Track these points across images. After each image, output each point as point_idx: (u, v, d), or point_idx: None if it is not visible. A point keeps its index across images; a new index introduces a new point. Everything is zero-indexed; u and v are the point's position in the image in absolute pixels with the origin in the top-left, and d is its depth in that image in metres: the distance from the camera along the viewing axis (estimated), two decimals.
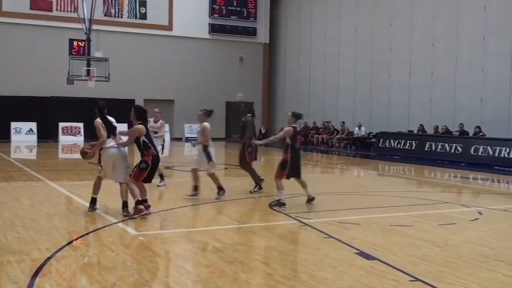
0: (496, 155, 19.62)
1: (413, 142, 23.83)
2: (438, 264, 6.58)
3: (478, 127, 22.16)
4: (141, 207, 8.85)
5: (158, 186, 12.60)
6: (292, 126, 10.37)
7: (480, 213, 10.09)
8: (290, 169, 10.28)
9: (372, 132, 28.20)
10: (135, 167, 9.02)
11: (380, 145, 25.72)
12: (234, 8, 36.47)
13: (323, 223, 8.74)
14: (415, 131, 25.18)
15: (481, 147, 20.56)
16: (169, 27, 34.55)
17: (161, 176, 12.85)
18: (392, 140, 25.17)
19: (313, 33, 33.91)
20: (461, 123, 22.92)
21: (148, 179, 9.06)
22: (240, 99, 35.83)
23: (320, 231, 8.15)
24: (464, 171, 18.26)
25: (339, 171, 19.53)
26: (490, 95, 23.10)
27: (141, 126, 8.94)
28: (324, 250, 7.10)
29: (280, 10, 37.61)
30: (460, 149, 21.35)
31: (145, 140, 8.94)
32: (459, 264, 6.61)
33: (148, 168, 8.91)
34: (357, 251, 7.02)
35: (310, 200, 10.54)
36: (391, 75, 28.03)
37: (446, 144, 22.04)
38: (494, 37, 23.02)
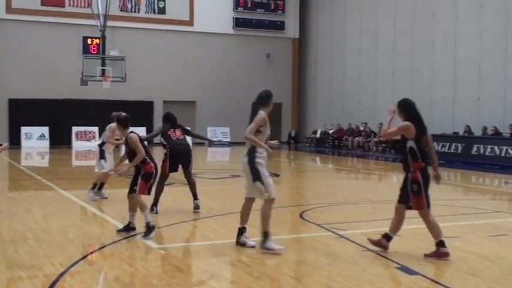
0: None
1: (459, 145, 23.57)
2: (488, 279, 6.50)
3: None
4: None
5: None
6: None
7: None
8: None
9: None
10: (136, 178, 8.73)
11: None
12: (260, 0, 36.57)
13: (360, 235, 8.68)
14: (461, 133, 24.90)
15: None
16: (190, 23, 34.77)
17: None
18: (435, 143, 24.89)
19: (347, 26, 33.79)
20: None
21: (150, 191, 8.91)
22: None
23: (357, 243, 8.11)
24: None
25: (377, 178, 19.41)
26: None
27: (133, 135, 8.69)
28: (362, 264, 7.06)
29: (311, 2, 37.57)
30: (511, 152, 21.06)
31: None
32: (510, 279, 6.51)
33: (152, 179, 8.77)
34: (398, 266, 6.96)
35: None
36: (434, 72, 27.77)
37: (496, 147, 21.75)
38: None
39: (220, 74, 35.04)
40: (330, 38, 35.42)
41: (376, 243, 7.67)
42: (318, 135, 34.27)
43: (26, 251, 7.65)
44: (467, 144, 23.29)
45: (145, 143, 8.96)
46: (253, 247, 7.74)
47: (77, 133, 30.97)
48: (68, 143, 30.49)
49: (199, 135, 12.86)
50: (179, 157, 10.71)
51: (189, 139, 11.61)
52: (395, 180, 18.84)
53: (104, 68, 27.80)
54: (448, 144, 24.25)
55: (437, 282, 6.36)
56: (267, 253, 7.51)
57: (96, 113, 29.93)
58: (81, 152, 28.04)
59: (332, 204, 11.38)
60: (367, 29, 32.12)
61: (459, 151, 23.41)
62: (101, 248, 7.92)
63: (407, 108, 7.83)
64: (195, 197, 10.91)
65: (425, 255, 7.32)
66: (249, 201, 8.03)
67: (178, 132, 10.88)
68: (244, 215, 8.00)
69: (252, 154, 7.79)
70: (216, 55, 35.08)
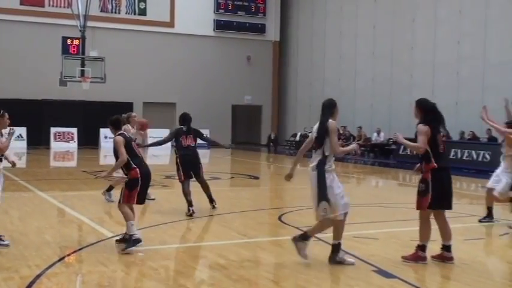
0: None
1: None
2: (465, 283, 6.56)
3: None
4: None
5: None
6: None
7: (510, 227, 10.03)
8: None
9: (391, 138, 28.13)
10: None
11: (400, 152, 25.64)
12: (241, 2, 36.61)
13: None
14: None
15: None
16: (170, 24, 34.72)
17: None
18: None
19: (328, 30, 33.94)
20: (489, 129, 22.82)
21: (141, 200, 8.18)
22: (248, 102, 35.97)
23: None
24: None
25: (356, 181, 19.48)
26: None
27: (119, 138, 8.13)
28: (339, 267, 7.08)
29: (292, 5, 37.68)
30: (488, 156, 21.26)
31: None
32: (487, 283, 6.59)
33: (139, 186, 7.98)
34: (375, 269, 6.99)
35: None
36: (413, 76, 27.97)
37: (473, 152, 21.96)
38: None
39: (200, 76, 35.00)
40: (311, 42, 35.54)
41: (439, 257, 7.33)
42: (297, 138, 34.32)
43: (2, 252, 7.56)
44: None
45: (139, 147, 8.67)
46: (352, 264, 7.21)
47: (55, 134, 30.71)
48: (46, 144, 30.24)
49: (212, 140, 12.69)
50: (188, 167, 10.82)
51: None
52: (373, 183, 18.95)
53: (83, 68, 27.65)
54: None
55: (414, 286, 6.39)
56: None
57: (75, 113, 29.72)
58: (59, 153, 27.82)
59: (311, 207, 11.38)
60: (347, 33, 32.28)
61: None
62: (78, 250, 7.86)
63: (425, 109, 7.61)
64: (211, 201, 11.14)
65: (403, 258, 7.33)
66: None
67: (189, 139, 10.90)
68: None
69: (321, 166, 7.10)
70: (197, 57, 35.04)
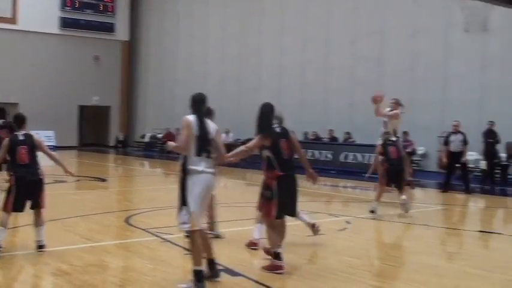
0: (366, 161, 20.68)
1: None
2: (308, 278, 6.81)
3: (348, 133, 23.30)
4: None
5: None
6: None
7: (348, 223, 10.58)
8: None
9: (240, 139, 28.62)
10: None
11: None
12: (88, 0, 35.58)
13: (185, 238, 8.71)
14: None
15: (351, 154, 21.65)
16: (13, 20, 33.03)
17: None
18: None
19: (179, 31, 33.92)
20: (331, 129, 23.95)
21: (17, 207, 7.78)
22: (96, 103, 35.08)
23: (182, 247, 8.13)
24: (334, 179, 19.07)
25: None
26: (360, 100, 24.33)
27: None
28: (186, 268, 7.08)
29: (142, 5, 37.25)
30: (330, 156, 22.28)
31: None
32: (328, 277, 6.87)
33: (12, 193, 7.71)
34: (222, 268, 7.07)
35: None
36: (261, 78, 28.69)
37: (316, 151, 22.90)
38: (364, 40, 24.33)
39: (45, 75, 33.60)
40: (161, 42, 35.33)
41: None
42: (146, 139, 34.00)
43: None
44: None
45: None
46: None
47: None
48: None
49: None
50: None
51: None
52: (221, 184, 19.18)
53: None
54: None
55: (259, 283, 6.54)
56: None
57: None
58: None
59: (159, 209, 11.32)
60: (198, 35, 32.45)
61: None
62: None
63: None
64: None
65: (262, 268, 7.06)
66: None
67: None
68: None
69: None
70: (41, 56, 33.61)
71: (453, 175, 16.44)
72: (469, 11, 13.34)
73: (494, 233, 10.52)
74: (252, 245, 8.16)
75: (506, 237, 10.09)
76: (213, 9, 31.66)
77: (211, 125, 6.46)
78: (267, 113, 7.24)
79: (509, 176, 18.72)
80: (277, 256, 6.95)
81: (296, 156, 7.41)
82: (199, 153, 6.25)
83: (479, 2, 9.39)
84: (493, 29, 18.36)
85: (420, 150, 21.70)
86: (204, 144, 6.29)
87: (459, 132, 16.21)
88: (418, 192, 16.42)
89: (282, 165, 7.09)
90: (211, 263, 6.53)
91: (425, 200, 14.98)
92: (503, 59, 20.14)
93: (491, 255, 8.97)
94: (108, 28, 36.34)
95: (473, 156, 18.75)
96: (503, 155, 18.60)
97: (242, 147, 7.37)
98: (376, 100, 13.04)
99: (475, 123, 19.14)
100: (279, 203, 6.98)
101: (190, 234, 6.26)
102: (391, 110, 13.58)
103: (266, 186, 7.11)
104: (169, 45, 34.65)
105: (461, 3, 11.87)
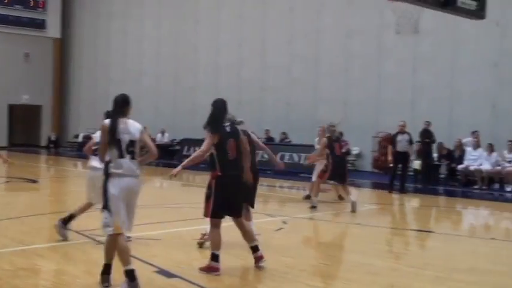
0: (302, 162, 20.92)
1: None
2: (243, 278, 6.87)
3: (284, 133, 23.50)
4: None
5: None
6: None
7: (285, 223, 10.69)
8: None
9: (175, 139, 28.47)
10: None
11: (184, 153, 26.05)
12: None
13: None
14: None
15: (287, 154, 21.85)
16: None
17: None
18: (197, 148, 25.44)
19: (112, 29, 33.45)
20: (267, 129, 24.09)
21: None
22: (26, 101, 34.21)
23: None
24: (271, 179, 19.18)
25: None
26: (296, 100, 24.61)
27: None
28: (121, 270, 7.00)
29: (75, 1, 36.55)
30: (266, 156, 22.32)
31: None
32: (264, 276, 6.93)
33: None
34: (157, 269, 7.04)
35: None
36: (197, 77, 28.61)
37: None
38: (300, 40, 24.60)
39: None
40: (95, 40, 34.78)
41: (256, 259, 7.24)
42: (80, 139, 33.36)
43: None
44: None
45: None
46: None
47: None
48: None
49: None
50: None
51: None
52: (157, 184, 19.04)
53: None
54: None
55: (195, 284, 6.53)
56: None
57: None
58: None
59: (93, 211, 11.11)
60: (132, 32, 32.11)
61: None
62: None
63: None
64: None
65: (200, 269, 7.02)
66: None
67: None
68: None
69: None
70: None
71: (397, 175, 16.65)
72: (400, 13, 13.66)
73: (426, 231, 10.82)
74: None
75: (438, 235, 10.41)
76: (148, 7, 31.37)
77: (133, 126, 6.42)
78: (218, 110, 7.33)
79: (441, 176, 19.31)
80: (214, 257, 6.95)
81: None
82: (120, 156, 6.21)
83: (411, 5, 9.64)
84: (424, 31, 18.85)
85: (355, 150, 22.11)
86: (127, 146, 6.26)
87: (405, 132, 16.50)
88: (353, 192, 16.72)
89: (225, 165, 7.04)
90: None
91: (360, 199, 15.26)
92: (434, 60, 20.74)
93: (422, 253, 9.23)
94: (39, 25, 35.48)
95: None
96: (435, 155, 19.13)
97: (197, 152, 7.23)
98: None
99: (407, 123, 19.66)
100: (215, 203, 6.97)
101: (109, 237, 6.28)
102: (319, 139, 14.11)
103: (207, 185, 7.14)
104: (103, 44, 34.14)
105: (393, 6, 12.14)
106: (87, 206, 8.79)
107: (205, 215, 7.17)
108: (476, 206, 15.42)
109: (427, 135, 18.00)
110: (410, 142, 16.50)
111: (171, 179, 7.28)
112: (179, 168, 7.17)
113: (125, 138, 6.26)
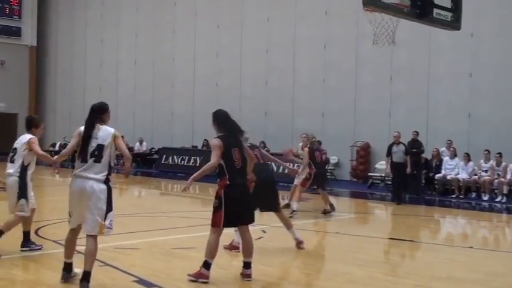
0: (280, 171, 20.92)
1: (198, 158, 24.43)
2: (222, 285, 6.85)
3: (263, 142, 23.51)
4: None
5: None
6: None
7: (264, 232, 10.68)
8: None
9: (154, 148, 28.38)
10: None
11: (163, 162, 26.00)
12: None
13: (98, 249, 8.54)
14: (200, 147, 25.88)
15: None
16: None
17: None
18: (176, 156, 25.58)
19: (88, 37, 33.30)
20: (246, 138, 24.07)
21: None
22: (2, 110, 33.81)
23: (97, 259, 7.96)
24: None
25: (117, 191, 19.28)
26: (274, 109, 24.68)
27: None
28: (99, 280, 6.95)
29: (50, 9, 36.33)
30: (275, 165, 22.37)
31: None
32: (244, 285, 6.95)
33: None
34: (136, 279, 7.00)
35: None
36: (174, 87, 28.56)
37: None
38: (277, 50, 24.70)
39: None
40: (70, 48, 34.58)
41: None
42: (57, 148, 33.04)
43: None
44: (206, 157, 24.23)
45: None
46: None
47: None
48: None
49: None
50: None
51: None
52: (136, 193, 18.94)
53: None
54: (187, 157, 25.06)
55: None
56: None
57: None
58: None
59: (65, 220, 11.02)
60: (109, 41, 31.98)
61: (198, 164, 24.25)
62: None
63: (217, 121, 7.70)
64: None
65: (188, 274, 6.99)
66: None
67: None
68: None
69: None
70: None
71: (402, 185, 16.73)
72: (377, 24, 13.77)
73: (405, 240, 10.89)
74: (234, 249, 8.59)
75: (416, 244, 10.49)
76: (124, 15, 31.28)
77: (105, 131, 6.70)
78: (224, 118, 7.83)
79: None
80: (207, 265, 6.94)
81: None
82: (83, 159, 6.60)
83: (387, 16, 9.75)
84: (401, 42, 19.02)
85: (333, 159, 22.20)
86: (93, 150, 6.56)
87: (400, 142, 16.54)
88: (331, 200, 16.77)
89: (233, 174, 7.12)
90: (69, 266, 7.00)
91: (338, 208, 15.31)
92: (410, 70, 20.96)
93: (401, 261, 9.29)
94: (15, 32, 35.22)
95: (383, 165, 19.16)
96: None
97: (208, 165, 7.26)
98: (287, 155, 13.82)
99: (385, 133, 19.81)
100: (226, 213, 7.00)
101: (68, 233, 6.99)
102: (303, 144, 14.10)
103: (216, 195, 7.17)
104: (78, 52, 33.95)
105: (370, 16, 12.23)
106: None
107: (214, 225, 7.11)
108: (454, 215, 15.57)
109: (415, 145, 17.92)
110: (406, 153, 16.54)
111: (184, 191, 7.92)
112: (190, 180, 7.31)
113: (92, 143, 6.58)
